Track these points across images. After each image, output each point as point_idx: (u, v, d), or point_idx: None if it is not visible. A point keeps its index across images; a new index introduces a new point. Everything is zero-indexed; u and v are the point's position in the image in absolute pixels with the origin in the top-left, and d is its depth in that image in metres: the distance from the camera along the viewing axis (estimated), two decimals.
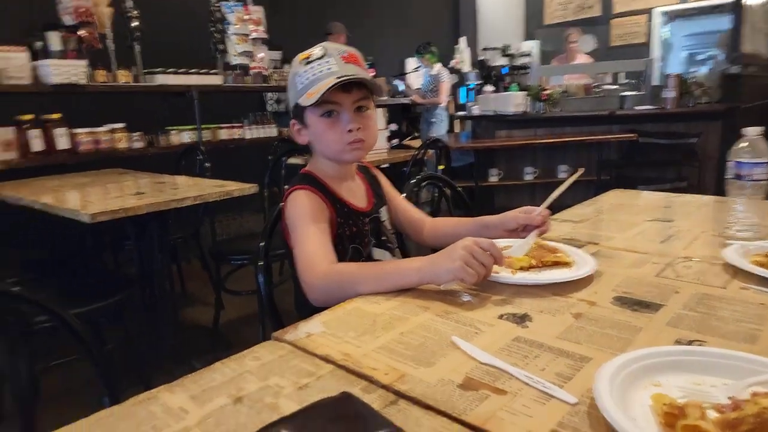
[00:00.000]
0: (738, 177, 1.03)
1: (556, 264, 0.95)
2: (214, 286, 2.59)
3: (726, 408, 0.46)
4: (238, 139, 3.80)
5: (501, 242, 1.05)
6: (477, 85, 6.33)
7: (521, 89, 5.33)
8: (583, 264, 0.93)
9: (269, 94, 4.45)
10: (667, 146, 4.26)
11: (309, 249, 0.93)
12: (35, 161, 2.65)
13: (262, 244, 1.17)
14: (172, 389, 0.54)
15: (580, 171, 1.06)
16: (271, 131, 3.97)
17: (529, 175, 4.49)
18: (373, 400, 0.53)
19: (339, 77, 0.96)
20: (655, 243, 1.09)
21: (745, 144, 1.03)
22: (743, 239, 1.02)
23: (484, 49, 6.77)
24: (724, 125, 4.28)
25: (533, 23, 7.48)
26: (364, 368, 0.59)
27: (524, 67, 6.66)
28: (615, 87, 4.99)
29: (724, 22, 4.53)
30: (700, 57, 6.64)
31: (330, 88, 0.95)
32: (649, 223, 1.26)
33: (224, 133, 3.70)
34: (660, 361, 0.57)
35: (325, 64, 0.99)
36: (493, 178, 4.47)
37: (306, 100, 0.98)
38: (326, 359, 0.62)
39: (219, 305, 2.55)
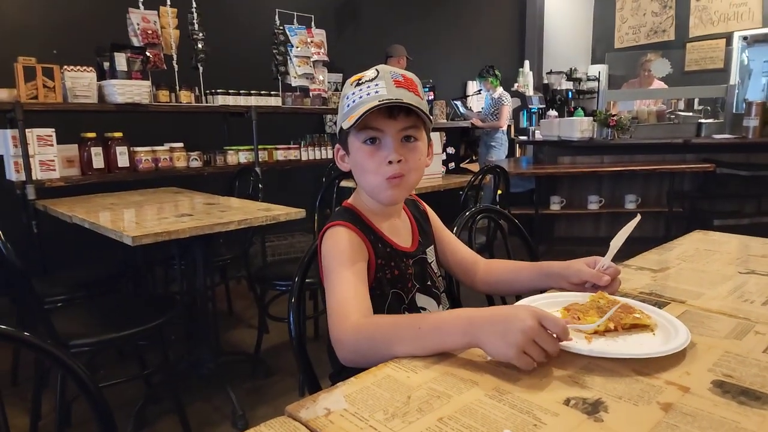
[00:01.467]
0: None
1: (635, 327, 0.79)
2: (258, 310, 2.55)
3: None
4: (295, 160, 3.80)
5: (566, 296, 0.91)
6: (540, 109, 6.13)
7: (586, 114, 5.08)
8: (670, 331, 0.76)
9: (328, 116, 4.47)
10: (747, 178, 3.89)
11: (341, 296, 0.82)
12: (95, 178, 2.74)
13: (296, 279, 1.08)
14: None
15: (637, 218, 0.93)
16: (327, 153, 3.96)
17: (593, 204, 4.21)
18: None
19: (382, 100, 0.86)
20: (757, 305, 0.90)
21: None
22: None
23: (549, 73, 6.58)
24: None
25: (602, 47, 7.21)
26: None
27: (591, 91, 6.39)
28: (690, 114, 4.65)
29: None
30: None
31: (369, 111, 0.85)
32: (745, 276, 1.06)
33: (281, 154, 3.72)
34: None
35: (374, 86, 0.89)
36: (555, 206, 4.23)
37: (347, 123, 0.89)
38: None
39: (262, 329, 2.50)
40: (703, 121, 4.38)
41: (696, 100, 5.22)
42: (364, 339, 0.75)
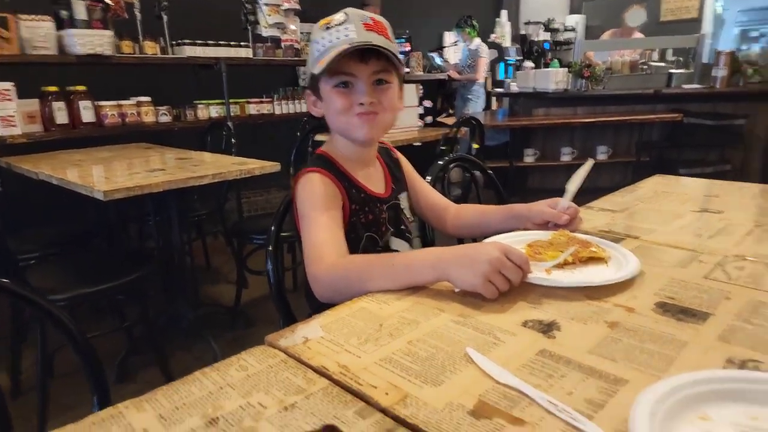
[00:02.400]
0: None
1: (591, 260, 0.85)
2: (236, 264, 2.57)
3: None
4: (268, 114, 3.74)
5: (530, 234, 0.96)
6: (517, 61, 6.08)
7: (562, 66, 5.08)
8: (622, 262, 0.83)
9: (301, 69, 4.37)
10: (712, 128, 3.99)
11: (317, 239, 0.85)
12: (59, 134, 2.65)
13: (273, 228, 1.11)
14: (140, 405, 0.48)
15: (590, 162, 1.01)
16: (302, 107, 3.89)
17: (566, 155, 4.29)
18: (368, 427, 0.45)
19: (353, 44, 0.87)
20: (703, 238, 0.97)
21: None
22: None
23: (527, 24, 6.50)
24: None
25: None
26: (362, 385, 0.51)
27: (568, 42, 6.36)
28: (662, 64, 4.70)
29: None
30: (753, 34, 6.22)
31: (340, 55, 0.86)
32: (696, 214, 1.13)
33: (253, 108, 3.65)
34: (709, 390, 0.48)
35: (343, 30, 0.89)
36: (529, 158, 4.30)
37: (318, 68, 0.90)
38: (321, 372, 0.54)
39: (241, 283, 2.54)
40: (673, 71, 4.44)
41: (670, 51, 5.26)
42: (340, 276, 0.79)
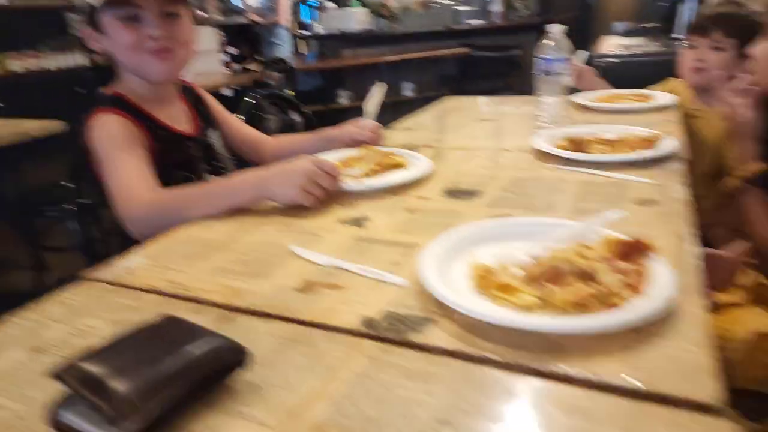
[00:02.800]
0: (545, 72, 1.13)
1: (394, 167, 0.97)
2: (29, 246, 2.24)
3: (529, 265, 0.52)
4: (37, 71, 3.18)
5: (342, 152, 1.05)
6: (318, 1, 6.03)
7: (363, 5, 5.22)
8: (418, 165, 0.96)
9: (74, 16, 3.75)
10: (495, 59, 4.57)
11: (125, 178, 0.82)
12: None
13: (72, 186, 1.01)
14: None
15: (382, 85, 1.15)
16: (79, 59, 3.37)
17: None
18: (205, 321, 0.50)
19: None
20: (483, 139, 1.17)
21: (550, 41, 1.12)
22: (551, 128, 1.15)
23: None
24: (540, 36, 4.70)
25: None
26: (194, 292, 0.55)
27: None
28: (449, 2, 5.14)
29: None
30: None
31: None
32: (480, 123, 1.35)
33: (16, 65, 3.07)
34: (474, 235, 0.62)
35: None
36: (343, 100, 4.43)
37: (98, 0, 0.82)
38: (151, 290, 0.56)
39: (40, 266, 2.23)
40: (459, 8, 4.90)
41: None
42: (156, 210, 0.78)
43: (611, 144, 0.98)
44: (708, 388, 0.36)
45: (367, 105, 1.13)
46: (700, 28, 1.24)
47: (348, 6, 4.82)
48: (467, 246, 0.60)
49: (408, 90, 4.58)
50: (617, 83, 1.52)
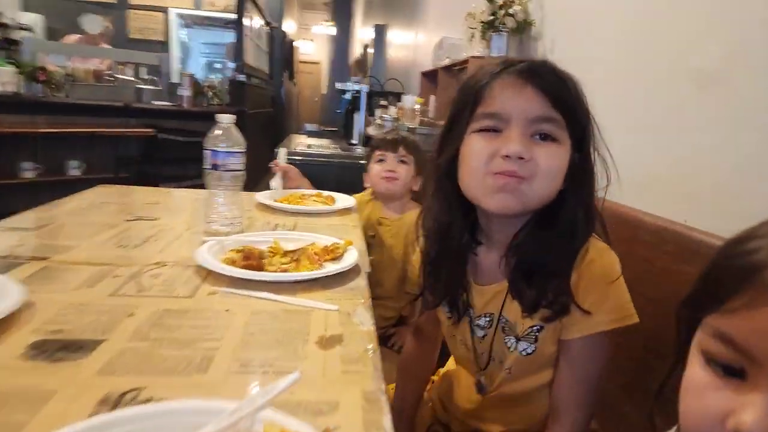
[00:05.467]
0: (215, 167, 0.92)
1: None
2: None
3: None
4: None
5: None
6: None
7: (15, 65, 4.23)
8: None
9: None
10: (184, 143, 4.30)
11: None
12: None
13: None
14: None
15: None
16: None
17: (28, 171, 3.58)
18: None
19: None
20: (128, 249, 0.86)
21: (219, 132, 0.93)
22: (223, 234, 0.93)
23: None
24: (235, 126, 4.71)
25: None
26: None
27: (15, 42, 5.40)
28: (131, 78, 4.69)
29: (232, 36, 4.93)
30: (217, 65, 7.20)
31: None
32: (130, 224, 1.02)
33: None
34: None
35: None
36: None
37: None
38: None
39: None
40: (142, 86, 4.50)
41: (145, 69, 5.30)
42: None
43: (292, 256, 0.82)
44: None
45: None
46: (390, 144, 1.35)
47: None
48: None
49: (74, 169, 3.80)
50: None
